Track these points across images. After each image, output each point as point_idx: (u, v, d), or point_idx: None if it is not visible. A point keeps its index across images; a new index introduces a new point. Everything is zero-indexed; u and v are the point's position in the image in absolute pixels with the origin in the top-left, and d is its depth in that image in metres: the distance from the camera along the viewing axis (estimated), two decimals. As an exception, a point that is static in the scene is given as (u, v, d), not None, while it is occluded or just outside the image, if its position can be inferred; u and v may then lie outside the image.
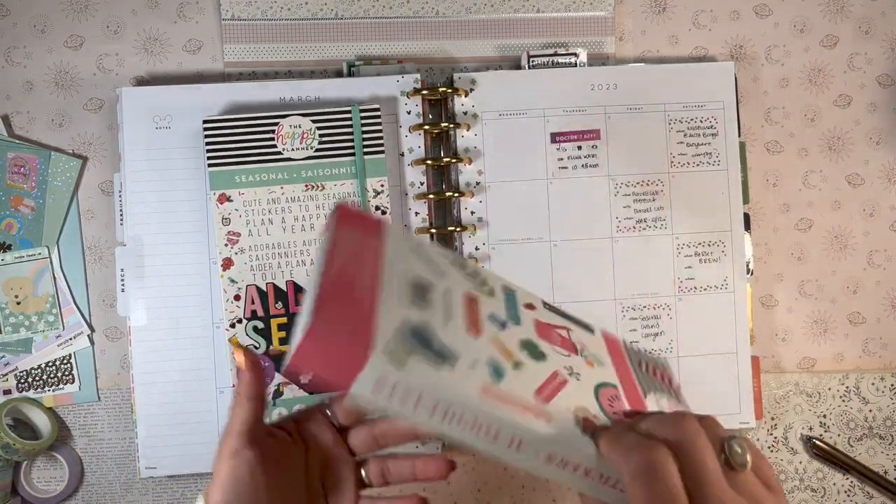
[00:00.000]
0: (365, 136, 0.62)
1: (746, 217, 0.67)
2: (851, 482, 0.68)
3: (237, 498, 0.38)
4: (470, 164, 0.64)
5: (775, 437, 0.68)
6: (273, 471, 0.40)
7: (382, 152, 0.63)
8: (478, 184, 0.65)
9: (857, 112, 0.70)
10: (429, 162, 0.64)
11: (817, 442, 0.68)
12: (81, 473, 0.65)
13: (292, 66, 0.67)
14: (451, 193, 0.64)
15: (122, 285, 0.63)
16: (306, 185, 0.62)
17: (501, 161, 0.65)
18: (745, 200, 0.67)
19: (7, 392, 0.63)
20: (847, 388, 0.69)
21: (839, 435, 0.69)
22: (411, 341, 0.34)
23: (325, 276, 0.35)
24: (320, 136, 0.62)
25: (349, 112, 0.62)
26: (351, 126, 0.62)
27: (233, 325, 0.61)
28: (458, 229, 0.64)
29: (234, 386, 0.61)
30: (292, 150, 0.62)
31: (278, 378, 0.61)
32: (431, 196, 0.64)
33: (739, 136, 0.67)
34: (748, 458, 0.33)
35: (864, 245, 0.70)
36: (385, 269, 0.37)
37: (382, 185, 0.62)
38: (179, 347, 0.62)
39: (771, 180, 0.70)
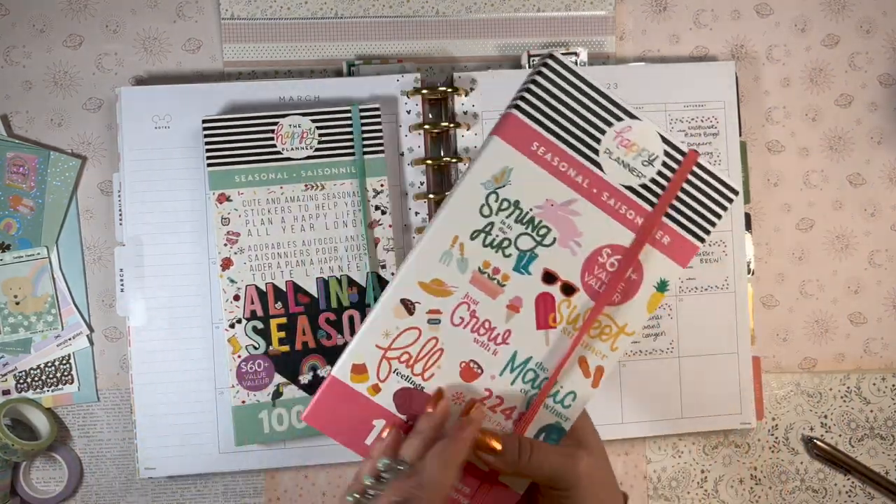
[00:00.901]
0: (365, 135, 0.62)
1: (747, 217, 0.67)
2: (852, 483, 0.68)
3: None
4: (470, 163, 0.64)
5: (776, 438, 0.68)
6: None
7: (382, 152, 0.62)
8: (478, 183, 0.65)
9: (858, 111, 0.70)
10: (429, 162, 0.64)
11: (818, 442, 0.67)
12: (81, 474, 0.64)
13: (292, 66, 0.66)
14: (451, 193, 0.64)
15: (122, 285, 0.63)
16: (306, 185, 0.62)
17: (501, 161, 0.65)
18: (746, 200, 0.67)
19: (6, 392, 0.63)
20: (848, 388, 0.69)
21: (840, 435, 0.69)
22: None
23: None
24: (320, 135, 0.62)
25: (349, 112, 0.62)
26: (350, 126, 0.62)
27: (232, 326, 0.60)
28: (458, 229, 0.64)
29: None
30: (292, 149, 0.62)
31: (278, 378, 0.60)
32: (431, 196, 0.64)
33: (740, 135, 0.67)
34: None
35: (865, 245, 0.70)
36: None
37: (382, 185, 0.62)
38: (179, 348, 0.62)
39: (772, 180, 0.69)
